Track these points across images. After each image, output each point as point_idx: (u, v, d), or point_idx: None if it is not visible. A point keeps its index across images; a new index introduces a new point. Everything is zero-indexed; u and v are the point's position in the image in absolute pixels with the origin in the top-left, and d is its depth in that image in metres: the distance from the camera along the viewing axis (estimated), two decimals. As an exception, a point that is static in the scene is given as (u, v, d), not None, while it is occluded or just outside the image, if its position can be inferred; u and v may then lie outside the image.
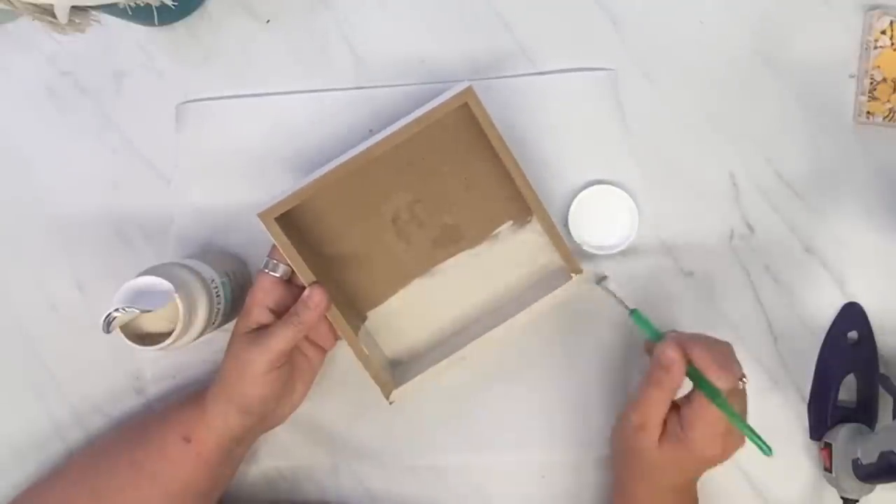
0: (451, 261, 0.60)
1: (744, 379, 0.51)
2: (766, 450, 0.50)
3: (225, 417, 0.53)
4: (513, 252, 0.60)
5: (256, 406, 0.53)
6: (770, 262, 0.61)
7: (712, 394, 0.49)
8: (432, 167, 0.56)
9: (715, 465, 0.52)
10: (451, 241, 0.59)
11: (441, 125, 0.52)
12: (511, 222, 0.59)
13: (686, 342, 0.51)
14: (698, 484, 0.56)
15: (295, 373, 0.55)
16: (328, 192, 0.52)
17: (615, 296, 0.56)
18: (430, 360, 0.58)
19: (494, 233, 0.59)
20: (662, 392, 0.51)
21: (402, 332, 0.60)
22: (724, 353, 0.51)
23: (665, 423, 0.52)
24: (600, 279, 0.58)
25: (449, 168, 0.57)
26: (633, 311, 0.55)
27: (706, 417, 0.50)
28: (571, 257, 0.56)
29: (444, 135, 0.54)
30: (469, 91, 0.51)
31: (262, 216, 0.52)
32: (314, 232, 0.57)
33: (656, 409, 0.51)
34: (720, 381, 0.49)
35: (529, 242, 0.59)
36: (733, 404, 0.50)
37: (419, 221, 0.58)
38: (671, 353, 0.50)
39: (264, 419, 0.55)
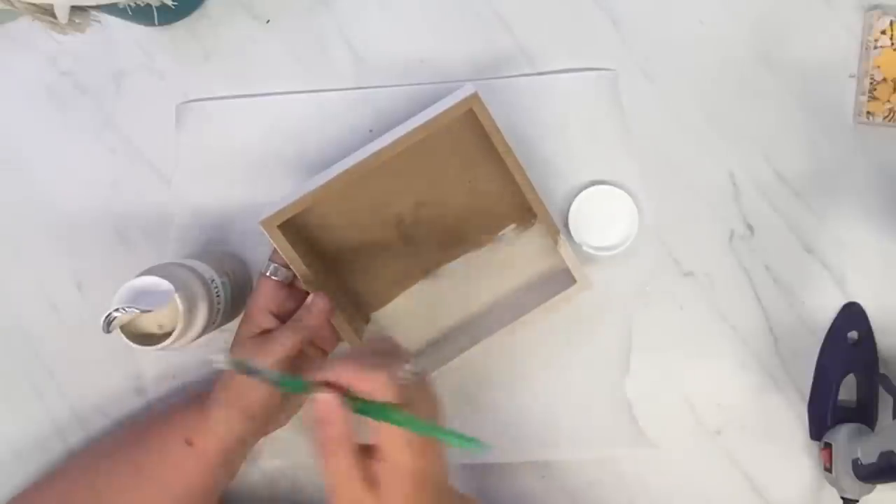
0: (454, 263, 0.60)
1: (406, 367, 0.43)
2: (471, 445, 0.41)
3: (228, 422, 0.53)
4: (516, 254, 0.60)
5: (259, 411, 0.53)
6: (770, 262, 0.61)
7: (377, 413, 0.42)
8: (436, 171, 0.56)
9: (431, 469, 0.44)
10: (455, 243, 0.59)
11: (446, 129, 0.51)
12: (514, 225, 0.59)
13: (327, 372, 0.43)
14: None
15: (297, 375, 0.55)
16: (331, 196, 0.52)
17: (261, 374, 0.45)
18: (433, 362, 0.58)
19: (498, 235, 0.59)
20: (338, 445, 0.42)
21: (406, 334, 0.60)
22: (371, 361, 0.43)
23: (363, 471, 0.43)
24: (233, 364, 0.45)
25: (453, 171, 0.57)
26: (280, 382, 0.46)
27: (385, 439, 0.42)
28: (575, 263, 0.56)
29: (448, 139, 0.54)
30: (475, 97, 0.51)
31: (265, 224, 0.51)
32: (317, 235, 0.56)
33: (347, 464, 0.42)
34: (371, 390, 0.42)
35: (533, 245, 0.59)
36: (412, 405, 0.42)
37: (423, 224, 0.58)
38: (326, 404, 0.42)
39: (266, 423, 0.55)
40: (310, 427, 0.44)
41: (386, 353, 0.46)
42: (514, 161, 0.53)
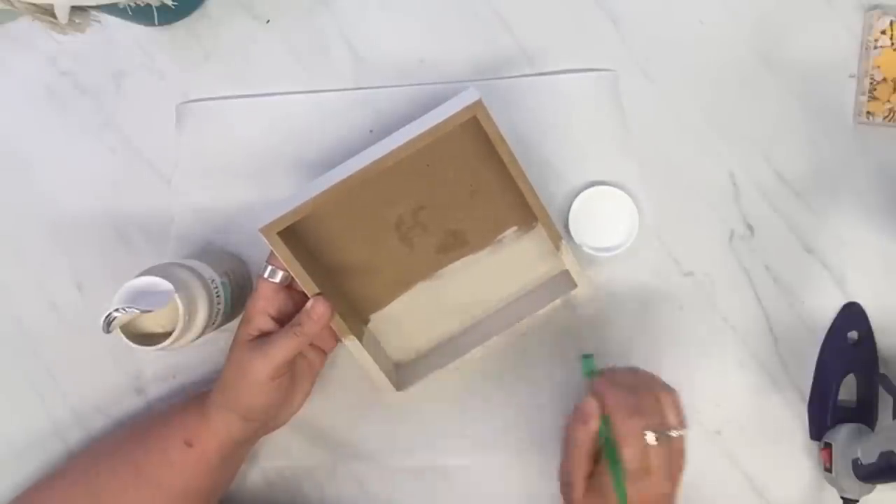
0: (454, 265, 0.59)
1: (672, 432, 0.48)
2: None
3: (227, 424, 0.53)
4: (516, 257, 0.59)
5: (258, 413, 0.53)
6: (770, 262, 0.61)
7: (608, 446, 0.47)
8: (437, 174, 0.56)
9: None
10: (455, 246, 0.59)
11: (448, 135, 0.51)
12: (515, 228, 0.59)
13: (607, 389, 0.49)
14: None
15: (296, 376, 0.55)
16: (331, 202, 0.52)
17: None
18: (434, 363, 0.58)
19: (498, 238, 0.59)
20: (579, 449, 0.49)
21: (406, 335, 0.60)
22: (642, 401, 0.48)
23: (592, 474, 0.49)
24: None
25: (454, 175, 0.56)
26: (586, 355, 0.54)
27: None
28: (576, 267, 0.56)
29: (450, 143, 0.53)
30: (479, 104, 0.51)
31: (264, 231, 0.51)
32: (316, 239, 0.56)
33: (578, 464, 0.49)
34: (621, 431, 0.47)
35: (533, 248, 0.59)
36: (647, 459, 0.47)
37: (423, 227, 0.58)
38: (590, 408, 0.49)
39: (266, 424, 0.55)
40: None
41: (659, 403, 0.49)
42: (517, 168, 0.53)
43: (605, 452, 0.48)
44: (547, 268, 0.60)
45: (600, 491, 0.48)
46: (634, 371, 0.53)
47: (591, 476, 0.49)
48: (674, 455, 0.49)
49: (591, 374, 0.53)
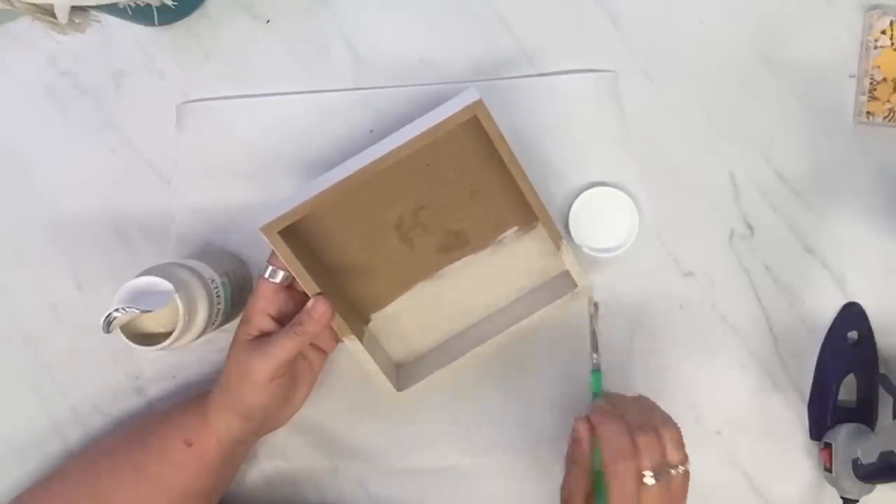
0: (455, 265, 0.59)
1: (672, 470, 0.48)
2: None
3: (227, 424, 0.53)
4: (517, 257, 0.59)
5: (258, 413, 0.53)
6: (770, 262, 0.61)
7: (599, 479, 0.47)
8: (438, 174, 0.56)
9: None
10: (456, 246, 0.59)
11: (448, 135, 0.51)
12: (516, 228, 0.59)
13: (602, 420, 0.48)
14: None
15: (296, 376, 0.55)
16: (332, 201, 0.52)
17: (594, 342, 0.55)
18: (434, 363, 0.58)
19: (499, 238, 0.59)
20: (577, 467, 0.49)
21: (406, 335, 0.60)
22: (639, 439, 0.47)
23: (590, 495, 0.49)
24: (596, 307, 0.56)
25: (454, 175, 0.56)
26: (596, 370, 0.54)
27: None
28: (577, 268, 0.56)
29: (450, 143, 0.53)
30: (479, 104, 0.51)
31: (265, 230, 0.51)
32: (317, 239, 0.56)
33: (576, 484, 0.49)
34: (610, 467, 0.46)
35: (534, 248, 0.59)
36: (638, 501, 0.46)
37: (424, 227, 0.58)
38: (581, 430, 0.49)
39: (266, 423, 0.55)
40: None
41: (660, 441, 0.48)
42: (517, 168, 0.53)
43: (594, 485, 0.48)
44: (547, 268, 0.60)
45: None
46: (636, 399, 0.52)
47: (591, 495, 0.49)
48: (673, 497, 0.48)
49: (597, 394, 0.53)
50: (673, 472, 0.48)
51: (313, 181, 0.52)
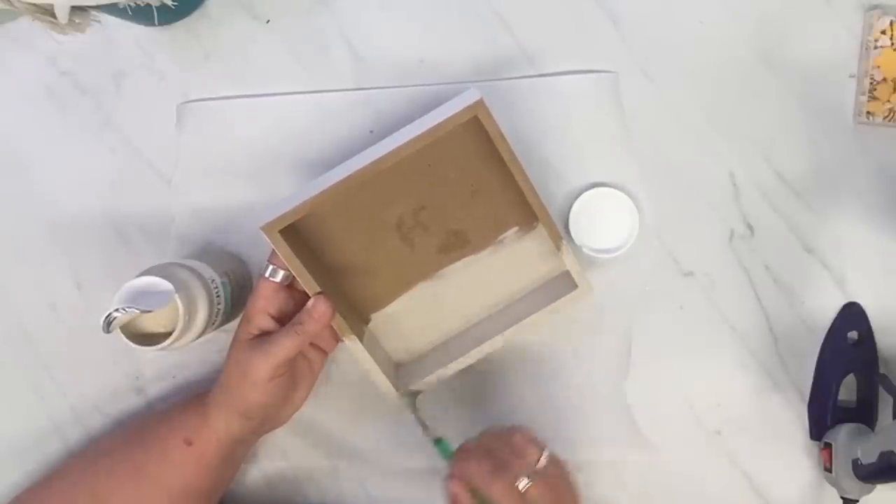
0: (455, 265, 0.59)
1: (538, 464, 0.49)
2: None
3: (227, 423, 0.53)
4: (517, 257, 0.59)
5: (258, 412, 0.53)
6: (770, 262, 0.61)
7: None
8: (438, 174, 0.56)
9: None
10: (456, 246, 0.59)
11: (449, 135, 0.51)
12: (517, 228, 0.59)
13: (462, 466, 0.49)
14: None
15: (296, 376, 0.55)
16: (332, 201, 0.52)
17: (422, 420, 0.56)
18: (434, 363, 0.58)
19: (499, 238, 0.59)
20: None
21: (406, 335, 0.60)
22: (498, 456, 0.49)
23: None
24: (413, 395, 0.57)
25: (455, 175, 0.56)
26: (437, 440, 0.55)
27: None
28: (577, 269, 0.56)
29: (451, 143, 0.53)
30: (480, 104, 0.51)
31: (266, 229, 0.51)
32: (317, 238, 0.56)
33: None
34: (491, 493, 0.47)
35: (534, 248, 0.59)
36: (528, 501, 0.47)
37: (424, 227, 0.58)
38: (454, 487, 0.49)
39: (266, 423, 0.55)
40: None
41: (515, 449, 0.49)
42: (518, 168, 0.53)
43: None
44: (548, 268, 0.60)
45: None
46: (482, 434, 0.53)
47: None
48: (556, 486, 0.49)
49: (449, 455, 0.53)
50: (541, 462, 0.49)
51: (314, 181, 0.52)
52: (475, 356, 0.58)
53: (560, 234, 0.55)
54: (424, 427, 0.55)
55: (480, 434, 0.53)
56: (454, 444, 0.53)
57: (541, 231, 0.57)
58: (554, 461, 0.50)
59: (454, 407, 0.61)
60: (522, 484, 0.47)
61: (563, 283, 0.58)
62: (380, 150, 0.51)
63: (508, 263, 0.59)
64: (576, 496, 0.51)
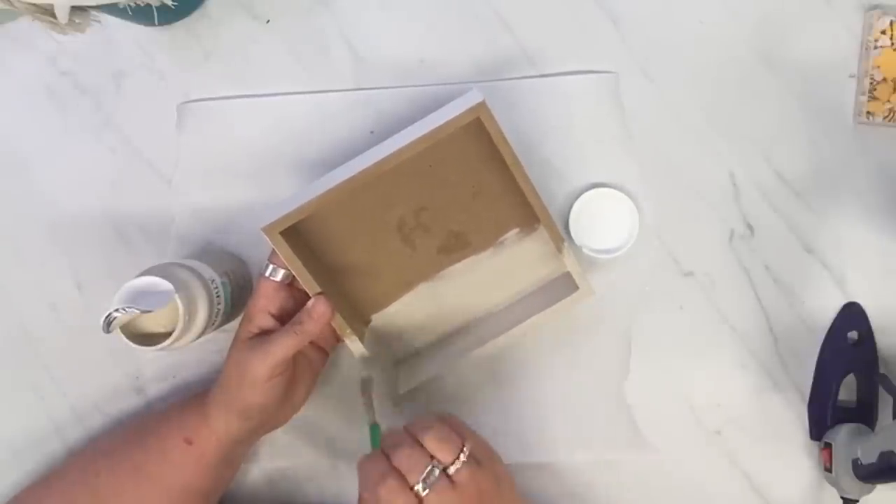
0: (456, 266, 0.59)
1: (452, 465, 0.46)
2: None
3: (226, 422, 0.53)
4: (518, 259, 0.59)
5: (257, 412, 0.53)
6: (770, 262, 0.61)
7: None
8: (439, 176, 0.56)
9: None
10: (457, 247, 0.59)
11: (451, 136, 0.51)
12: (517, 230, 0.59)
13: (362, 462, 0.48)
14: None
15: (296, 375, 0.55)
16: (334, 202, 0.52)
17: (369, 403, 0.54)
18: (434, 364, 0.58)
19: (500, 240, 0.59)
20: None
21: (407, 336, 0.60)
22: (395, 460, 0.46)
23: None
24: (366, 382, 0.55)
25: (456, 176, 0.56)
26: (372, 427, 0.53)
27: None
28: (578, 270, 0.56)
29: (452, 144, 0.53)
30: (482, 106, 0.51)
31: (267, 230, 0.51)
32: (318, 239, 0.56)
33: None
34: (364, 496, 0.46)
35: (535, 250, 0.59)
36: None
37: (425, 228, 0.58)
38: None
39: (265, 423, 0.55)
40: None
41: (428, 446, 0.46)
42: (520, 170, 0.53)
43: None
44: (548, 270, 0.60)
45: None
46: (405, 426, 0.49)
47: None
48: (464, 490, 0.45)
49: (376, 444, 0.52)
50: (452, 469, 0.45)
51: (315, 181, 0.52)
52: (475, 357, 0.57)
53: (561, 235, 0.55)
54: (369, 410, 0.53)
55: (404, 426, 0.49)
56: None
57: (541, 233, 0.57)
58: (468, 466, 0.46)
59: (454, 407, 0.61)
60: (417, 488, 0.44)
61: (564, 285, 0.58)
62: (382, 151, 0.51)
63: (509, 265, 0.59)
64: (506, 499, 0.48)
